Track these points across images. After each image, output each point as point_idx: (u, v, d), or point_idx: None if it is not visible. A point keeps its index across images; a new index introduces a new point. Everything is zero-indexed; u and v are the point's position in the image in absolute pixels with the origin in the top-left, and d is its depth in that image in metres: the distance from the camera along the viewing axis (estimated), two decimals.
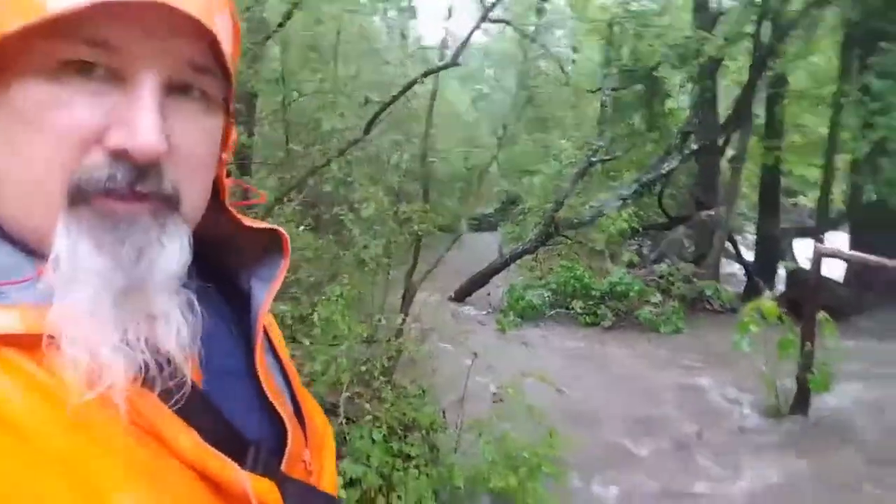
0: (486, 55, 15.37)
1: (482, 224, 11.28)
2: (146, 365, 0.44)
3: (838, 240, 8.10)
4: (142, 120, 0.42)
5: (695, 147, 7.89)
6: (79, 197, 0.43)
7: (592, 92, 9.97)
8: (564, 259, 7.81)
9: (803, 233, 8.63)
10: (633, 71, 9.70)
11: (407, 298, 4.00)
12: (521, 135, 11.02)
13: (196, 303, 0.48)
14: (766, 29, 7.16)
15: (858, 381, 4.78)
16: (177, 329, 0.45)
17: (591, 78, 10.70)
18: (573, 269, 7.13)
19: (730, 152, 8.79)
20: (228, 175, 0.59)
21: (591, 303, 6.81)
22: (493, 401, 3.24)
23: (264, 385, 0.55)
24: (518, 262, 7.88)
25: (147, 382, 0.44)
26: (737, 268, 9.04)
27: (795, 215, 12.32)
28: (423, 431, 2.90)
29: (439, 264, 4.73)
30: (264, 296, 0.59)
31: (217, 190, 0.57)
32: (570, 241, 8.10)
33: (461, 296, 7.42)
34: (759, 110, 8.67)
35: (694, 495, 3.33)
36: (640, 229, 8.48)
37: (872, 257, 4.21)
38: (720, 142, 8.53)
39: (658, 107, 10.82)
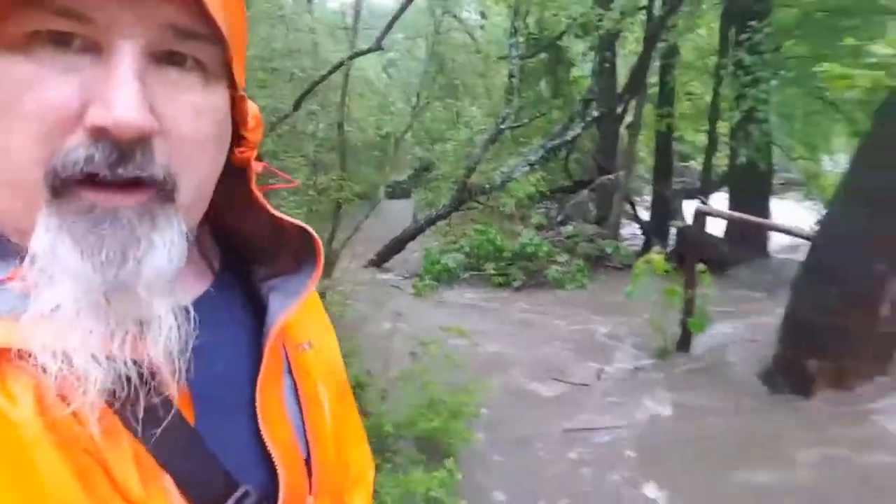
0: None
1: (396, 191, 11.42)
2: (127, 379, 0.40)
3: (720, 200, 8.95)
4: (118, 92, 0.38)
5: (596, 114, 8.39)
6: (59, 186, 0.39)
7: (500, 59, 10.24)
8: (477, 223, 8.13)
9: (691, 194, 9.42)
10: (539, 39, 10.08)
11: (327, 265, 4.15)
12: (433, 102, 11.17)
13: (191, 310, 0.44)
14: (659, 3, 7.67)
15: (731, 322, 5.48)
16: (166, 337, 0.42)
17: (499, 45, 10.96)
18: (486, 233, 7.46)
19: (628, 119, 9.39)
20: (259, 158, 0.54)
21: (502, 264, 7.19)
22: (414, 356, 3.49)
23: (261, 420, 0.49)
24: (433, 227, 8.15)
25: (128, 399, 0.41)
26: (635, 227, 9.75)
27: (687, 178, 13.29)
28: (352, 389, 3.11)
29: (357, 231, 4.89)
30: (281, 313, 0.52)
31: (246, 176, 0.53)
32: (482, 206, 8.43)
33: (379, 262, 7.62)
34: (654, 79, 9.28)
35: (595, 429, 3.76)
36: (548, 193, 8.95)
37: (743, 215, 4.78)
38: (619, 109, 9.07)
39: (563, 74, 11.30)
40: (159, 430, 0.42)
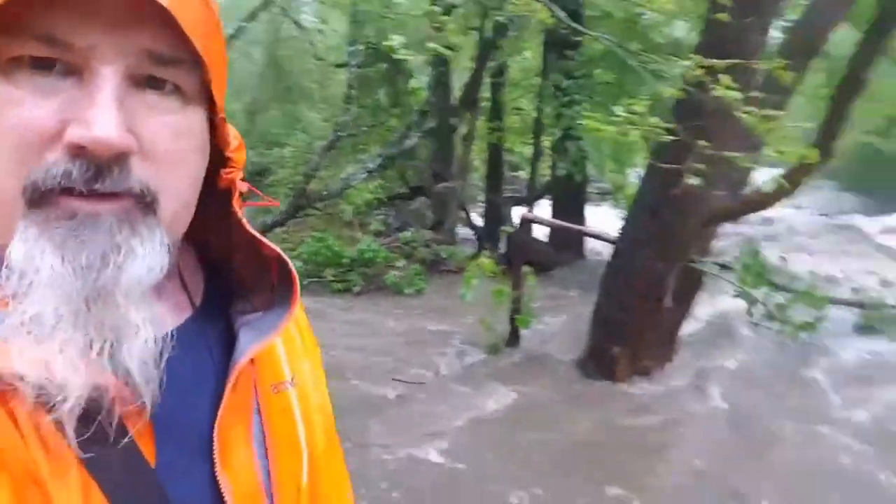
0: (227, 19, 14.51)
1: None
2: (88, 409, 0.40)
3: (545, 207, 9.76)
4: (98, 113, 0.40)
5: (432, 125, 8.75)
6: (38, 198, 0.41)
7: (339, 67, 10.26)
8: (315, 230, 8.05)
9: (519, 201, 10.15)
10: (378, 49, 10.26)
11: None
12: (269, 105, 10.85)
13: (187, 300, 0.47)
14: (490, 25, 8.22)
15: (553, 317, 6.04)
16: (142, 344, 0.42)
17: (339, 51, 10.95)
18: (324, 240, 7.42)
19: (463, 131, 9.89)
20: (243, 179, 0.55)
21: (341, 270, 7.20)
22: None
23: (218, 465, 0.48)
24: (269, 234, 7.92)
25: (86, 427, 0.41)
26: (470, 232, 10.29)
27: (517, 186, 14.27)
28: None
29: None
30: (248, 350, 0.51)
31: (229, 198, 0.53)
32: (320, 213, 8.36)
33: None
34: (487, 94, 9.88)
35: (435, 427, 3.92)
36: (386, 200, 9.13)
37: (559, 222, 5.30)
38: (454, 121, 9.53)
39: (402, 85, 11.61)
40: (114, 466, 0.41)
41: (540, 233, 8.17)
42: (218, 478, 0.47)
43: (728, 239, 5.64)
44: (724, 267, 4.78)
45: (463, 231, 10.66)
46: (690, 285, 4.42)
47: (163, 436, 0.45)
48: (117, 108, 0.41)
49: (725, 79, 2.42)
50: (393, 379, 4.46)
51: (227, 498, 0.47)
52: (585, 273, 7.84)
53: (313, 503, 0.54)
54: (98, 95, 0.40)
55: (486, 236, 9.39)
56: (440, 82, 9.07)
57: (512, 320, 4.93)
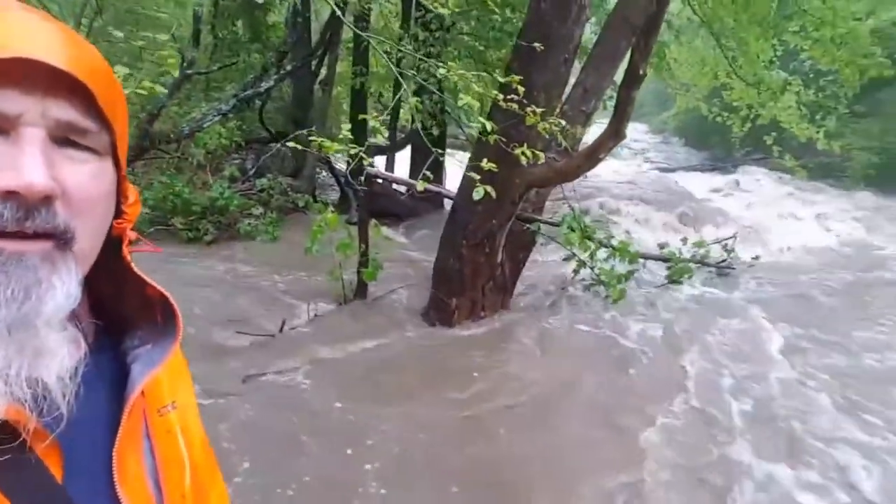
0: None
1: None
2: (22, 402, 0.46)
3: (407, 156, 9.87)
4: (27, 164, 0.47)
5: (290, 67, 8.42)
6: None
7: None
8: (165, 174, 7.58)
9: (383, 150, 10.18)
10: None
11: None
12: (106, 30, 9.76)
13: (83, 341, 0.53)
14: None
15: (404, 268, 6.29)
16: (59, 363, 0.49)
17: None
18: (172, 186, 7.03)
19: (324, 74, 9.60)
20: (134, 230, 0.63)
21: (192, 218, 6.88)
22: None
23: (118, 483, 0.55)
24: None
25: (13, 431, 0.46)
26: (332, 180, 10.18)
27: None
28: None
29: None
30: (139, 382, 0.58)
31: (119, 247, 0.60)
32: (169, 156, 7.86)
33: None
34: (349, 36, 9.57)
35: (281, 371, 4.03)
36: (244, 144, 8.74)
37: (400, 177, 5.43)
38: (314, 64, 9.22)
39: (261, 17, 10.92)
40: (27, 485, 0.47)
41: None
42: (118, 494, 0.55)
43: (581, 196, 6.15)
44: (555, 225, 5.25)
45: (326, 178, 10.53)
46: (523, 242, 4.83)
47: (68, 458, 0.52)
48: (43, 159, 0.48)
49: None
50: (237, 332, 4.47)
51: None
52: (441, 225, 8.16)
53: (196, 502, 0.63)
54: (27, 149, 0.47)
55: (349, 184, 9.36)
56: (298, 22, 8.68)
57: (359, 273, 5.07)
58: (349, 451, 3.13)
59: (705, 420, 3.68)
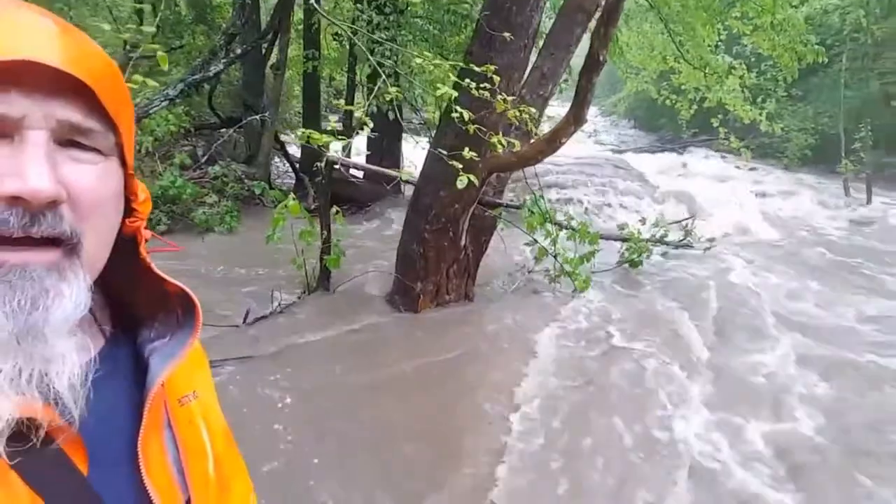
0: None
1: None
2: (34, 410, 0.47)
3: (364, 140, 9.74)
4: (31, 168, 0.46)
5: (239, 51, 8.19)
6: None
7: None
8: None
9: (340, 134, 10.03)
10: None
11: None
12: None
13: (92, 344, 0.52)
14: None
15: (366, 254, 6.29)
16: (69, 369, 0.49)
17: None
18: None
19: (275, 57, 9.37)
20: (147, 227, 0.62)
21: None
22: None
23: (144, 471, 0.56)
24: None
25: (24, 447, 0.47)
26: (288, 167, 9.98)
27: (340, 116, 13.95)
28: None
29: None
30: (159, 373, 0.59)
31: (135, 244, 0.60)
32: None
33: None
34: (300, 18, 9.37)
35: (240, 358, 3.98)
36: (193, 130, 8.48)
37: (360, 163, 5.40)
38: (264, 47, 8.99)
39: None
40: (52, 478, 0.48)
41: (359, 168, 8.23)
42: (145, 484, 0.55)
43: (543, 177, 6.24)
44: (516, 208, 5.33)
45: (281, 165, 10.32)
46: (486, 226, 4.89)
47: (92, 451, 0.52)
48: (47, 163, 0.47)
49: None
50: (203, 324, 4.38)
51: (154, 497, 0.56)
52: (401, 208, 8.14)
53: (220, 492, 0.64)
54: (31, 153, 0.47)
55: (306, 171, 9.19)
56: (246, 3, 8.42)
57: (321, 260, 5.05)
58: (310, 438, 3.15)
59: (659, 397, 3.86)
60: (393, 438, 3.20)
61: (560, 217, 5.45)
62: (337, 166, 6.47)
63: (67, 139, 0.50)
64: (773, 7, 6.65)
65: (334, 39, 11.20)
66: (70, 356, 0.49)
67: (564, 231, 5.29)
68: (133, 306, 0.64)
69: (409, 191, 8.66)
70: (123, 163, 0.57)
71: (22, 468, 0.47)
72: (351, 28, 5.72)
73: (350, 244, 5.60)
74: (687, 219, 7.30)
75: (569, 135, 3.25)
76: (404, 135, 9.43)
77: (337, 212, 5.04)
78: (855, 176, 11.57)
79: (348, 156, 8.85)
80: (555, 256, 5.19)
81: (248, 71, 9.12)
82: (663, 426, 3.44)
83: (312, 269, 5.18)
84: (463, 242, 4.65)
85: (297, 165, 9.56)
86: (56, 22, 0.52)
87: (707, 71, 7.91)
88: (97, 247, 0.53)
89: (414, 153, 7.97)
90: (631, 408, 3.61)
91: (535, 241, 4.98)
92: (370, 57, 5.37)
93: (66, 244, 0.49)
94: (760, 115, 7.87)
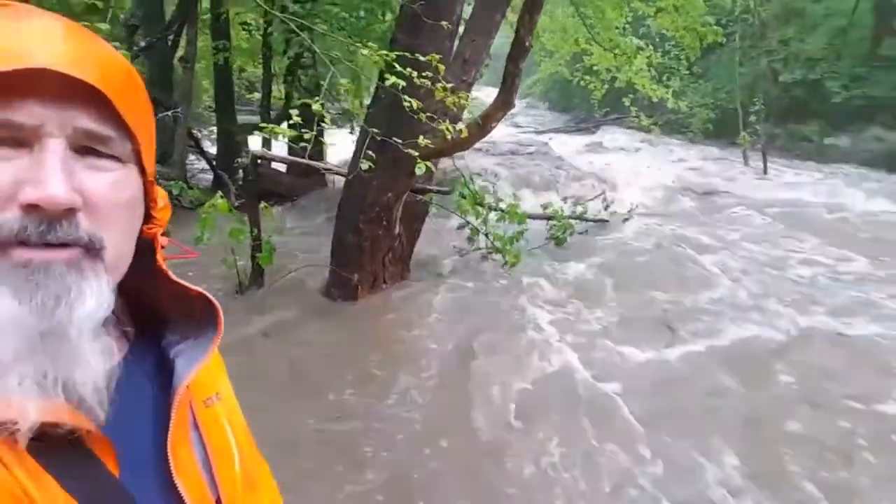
0: None
1: None
2: (60, 412, 0.47)
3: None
4: (48, 177, 0.47)
5: (143, 43, 7.77)
6: None
7: None
8: None
9: (257, 129, 9.74)
10: None
11: None
12: None
13: (117, 347, 0.53)
14: None
15: (297, 248, 6.19)
16: (93, 372, 0.49)
17: None
18: None
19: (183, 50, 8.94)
20: (166, 234, 0.62)
21: None
22: None
23: (174, 472, 0.56)
24: None
25: (57, 449, 0.47)
26: (205, 164, 9.60)
27: (254, 108, 13.48)
28: None
29: None
30: (185, 376, 0.59)
31: (153, 250, 0.60)
32: None
33: None
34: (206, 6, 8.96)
35: None
36: None
37: (287, 157, 5.30)
38: (170, 39, 8.57)
39: None
40: (85, 481, 0.48)
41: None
42: (177, 484, 0.56)
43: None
44: (447, 193, 5.41)
45: (197, 162, 9.91)
46: (417, 213, 4.94)
47: (121, 452, 0.53)
48: (64, 171, 0.48)
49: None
50: None
51: (186, 498, 0.56)
52: (327, 201, 8.04)
53: (248, 490, 0.65)
54: (47, 162, 0.47)
55: (223, 167, 8.87)
56: None
57: (253, 258, 4.94)
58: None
59: (584, 376, 4.08)
60: (325, 430, 3.22)
61: (489, 199, 5.56)
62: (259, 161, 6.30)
63: (85, 146, 0.51)
64: None
65: (244, 29, 10.82)
66: (95, 358, 0.49)
67: (494, 213, 5.42)
68: (156, 309, 0.64)
69: (335, 182, 8.59)
70: (143, 169, 0.57)
71: (56, 471, 0.48)
72: (263, 17, 5.56)
73: (280, 240, 5.50)
74: (599, 194, 7.63)
75: (499, 119, 3.35)
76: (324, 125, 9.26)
77: (265, 207, 4.94)
78: (752, 147, 12.45)
79: (266, 150, 8.62)
80: (486, 235, 5.32)
81: (153, 65, 8.66)
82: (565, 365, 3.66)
83: (244, 267, 5.05)
84: (397, 230, 4.68)
85: (215, 162, 9.22)
86: (70, 27, 0.52)
87: (617, 52, 8.25)
88: (117, 252, 0.53)
89: (341, 144, 7.88)
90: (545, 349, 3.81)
91: (468, 222, 5.08)
92: (287, 47, 5.25)
93: (86, 247, 0.50)
94: (667, 92, 8.31)
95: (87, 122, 0.50)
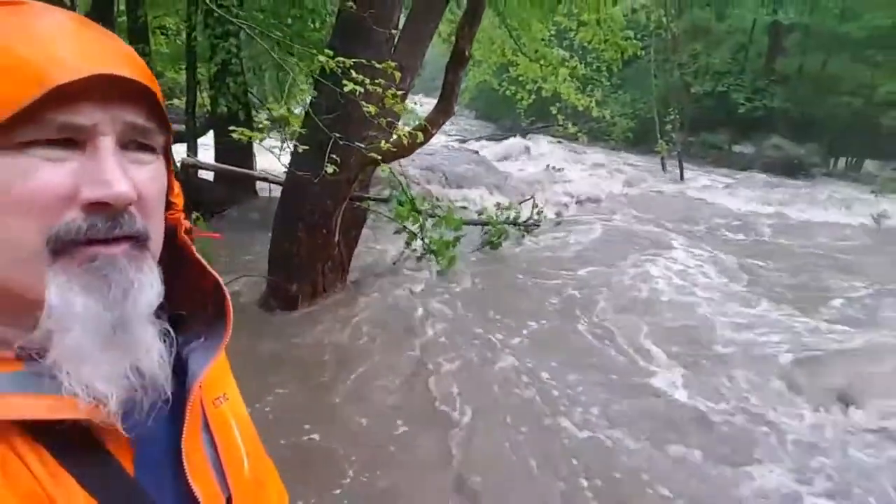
0: None
1: None
2: (135, 391, 0.50)
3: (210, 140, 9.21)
4: (111, 174, 0.49)
5: None
6: (61, 249, 0.48)
7: None
8: None
9: (181, 138, 9.40)
10: None
11: None
12: None
13: (171, 330, 0.55)
14: None
15: (232, 260, 6.01)
16: (158, 354, 0.52)
17: None
18: None
19: None
20: (186, 217, 0.65)
21: None
22: None
23: (188, 471, 0.57)
24: None
25: (81, 449, 0.49)
26: None
27: (175, 116, 13.00)
28: None
29: None
30: (197, 375, 0.60)
31: (172, 237, 0.61)
32: None
33: None
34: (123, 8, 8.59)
35: None
36: None
37: (221, 165, 5.17)
38: None
39: None
40: (103, 479, 0.49)
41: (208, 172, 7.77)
42: (191, 485, 0.56)
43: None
44: (384, 201, 5.43)
45: None
46: (355, 220, 4.93)
47: (138, 457, 0.54)
48: (120, 167, 0.50)
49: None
50: None
51: (199, 497, 0.56)
52: (258, 211, 7.85)
53: (257, 489, 0.66)
54: (107, 160, 0.50)
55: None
56: None
57: None
58: None
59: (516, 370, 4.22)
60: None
61: (426, 206, 5.63)
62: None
63: (129, 140, 0.53)
64: (595, 5, 7.38)
65: (162, 34, 10.40)
66: (156, 342, 0.53)
67: (431, 219, 5.50)
68: (169, 303, 0.65)
69: (266, 192, 8.40)
70: (168, 159, 0.60)
71: (75, 469, 0.49)
72: (184, 22, 5.41)
73: (212, 251, 5.33)
74: (529, 199, 7.87)
75: (440, 125, 3.42)
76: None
77: (197, 218, 4.78)
78: (669, 154, 13.19)
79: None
80: (423, 240, 5.38)
81: None
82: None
83: None
84: (336, 238, 4.65)
85: None
86: (91, 24, 0.54)
87: (542, 63, 8.54)
88: (158, 241, 0.56)
89: (264, 153, 7.69)
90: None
91: (405, 228, 5.13)
92: (213, 53, 5.11)
93: (136, 239, 0.52)
94: (590, 102, 8.68)
95: (134, 116, 0.53)
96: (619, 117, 14.88)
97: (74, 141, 0.50)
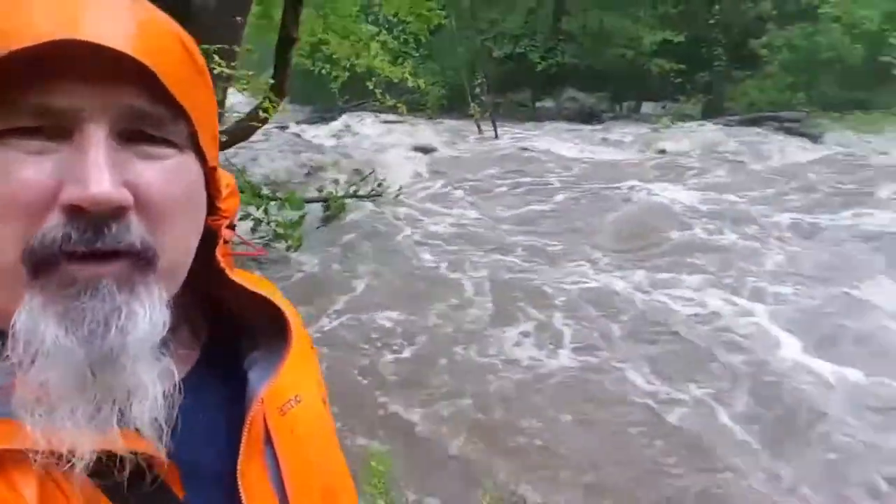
0: None
1: None
2: (113, 456, 0.41)
3: None
4: (90, 171, 0.39)
5: None
6: (39, 265, 0.40)
7: None
8: None
9: None
10: None
11: None
12: None
13: (175, 372, 0.44)
14: None
15: None
16: (152, 404, 0.42)
17: None
18: None
19: None
20: (232, 227, 0.54)
21: None
22: None
23: (243, 493, 0.49)
24: None
25: (116, 475, 0.42)
26: None
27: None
28: None
29: None
30: (259, 388, 0.52)
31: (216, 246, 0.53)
32: None
33: None
34: None
35: None
36: None
37: None
38: None
39: None
40: (154, 483, 0.44)
41: None
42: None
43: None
44: None
45: None
46: None
47: (189, 480, 0.47)
48: (108, 164, 0.40)
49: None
50: None
51: None
52: None
53: (323, 498, 0.56)
54: (89, 153, 0.40)
55: None
56: None
57: None
58: None
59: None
60: None
61: (266, 190, 5.67)
62: None
63: (134, 130, 0.43)
64: None
65: None
66: (153, 387, 0.43)
67: (274, 202, 5.57)
68: (228, 313, 0.58)
69: None
70: (201, 155, 0.49)
71: (118, 498, 0.43)
72: None
73: None
74: (369, 174, 8.19)
75: (276, 108, 3.54)
76: None
77: None
78: (483, 116, 14.16)
79: None
80: (269, 223, 5.47)
81: None
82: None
83: None
84: None
85: None
86: None
87: (352, 39, 8.71)
88: (175, 256, 0.46)
89: None
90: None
91: (249, 214, 5.17)
92: None
93: (136, 257, 0.42)
94: (404, 73, 9.07)
95: (135, 99, 0.42)
96: (431, 86, 15.57)
97: (61, 130, 0.41)
